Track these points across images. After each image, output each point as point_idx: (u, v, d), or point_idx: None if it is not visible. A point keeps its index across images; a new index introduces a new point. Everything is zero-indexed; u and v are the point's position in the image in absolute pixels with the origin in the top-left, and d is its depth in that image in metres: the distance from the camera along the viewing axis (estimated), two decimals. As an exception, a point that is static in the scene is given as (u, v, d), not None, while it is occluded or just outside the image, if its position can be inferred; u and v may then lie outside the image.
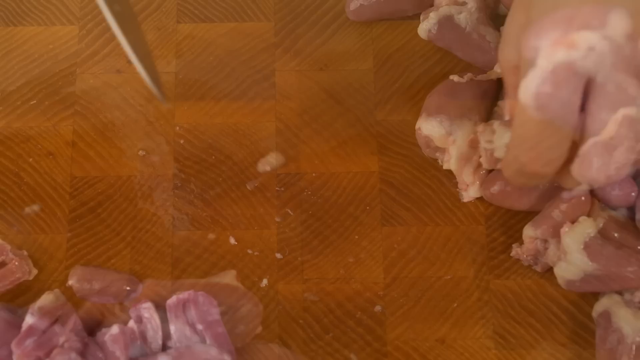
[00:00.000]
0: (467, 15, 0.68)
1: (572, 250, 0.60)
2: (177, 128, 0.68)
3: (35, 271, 0.64)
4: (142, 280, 0.64)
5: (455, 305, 0.64)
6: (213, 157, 0.67)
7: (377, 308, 0.63)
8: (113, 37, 0.70)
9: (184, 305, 0.61)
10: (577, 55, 0.52)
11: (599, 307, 0.62)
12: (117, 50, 0.70)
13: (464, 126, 0.65)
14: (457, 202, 0.66)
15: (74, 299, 0.63)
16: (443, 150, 0.66)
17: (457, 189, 0.66)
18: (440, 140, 0.65)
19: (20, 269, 0.63)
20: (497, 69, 0.66)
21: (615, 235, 0.62)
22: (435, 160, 0.67)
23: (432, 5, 0.70)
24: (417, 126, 0.66)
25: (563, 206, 0.61)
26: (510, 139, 0.57)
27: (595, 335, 0.62)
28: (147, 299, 0.63)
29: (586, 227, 0.60)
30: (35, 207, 0.66)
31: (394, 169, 0.67)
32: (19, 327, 0.60)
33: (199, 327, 0.60)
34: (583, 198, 0.62)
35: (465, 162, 0.65)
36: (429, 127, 0.65)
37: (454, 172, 0.66)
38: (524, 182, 0.59)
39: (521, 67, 0.54)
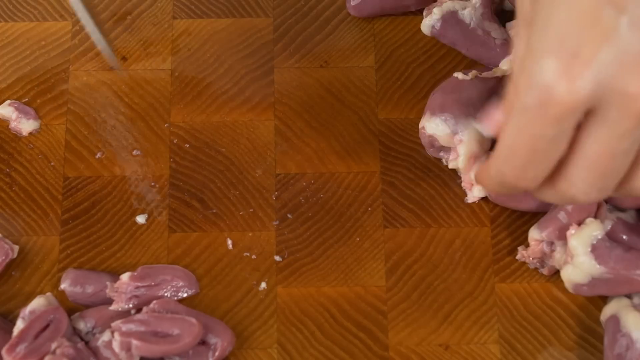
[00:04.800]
0: (471, 10, 0.68)
1: (579, 253, 0.59)
2: (173, 127, 0.68)
3: (16, 247, 0.63)
4: (137, 283, 0.63)
5: (459, 309, 0.63)
6: (210, 157, 0.67)
7: (379, 312, 0.63)
8: (107, 34, 0.70)
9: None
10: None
11: (607, 311, 0.61)
12: (111, 47, 0.70)
13: (469, 125, 0.64)
14: (461, 203, 0.66)
15: (66, 303, 0.62)
16: (447, 150, 0.65)
17: (462, 189, 0.66)
18: (445, 140, 0.64)
19: (1, 251, 0.62)
20: (503, 65, 0.66)
21: (624, 237, 0.61)
22: (439, 160, 0.67)
23: (435, 0, 0.70)
24: (420, 125, 0.66)
25: (569, 208, 0.61)
26: (496, 154, 0.54)
27: (603, 340, 0.61)
28: (142, 302, 0.62)
29: (593, 230, 0.60)
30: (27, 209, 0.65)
31: (396, 169, 0.67)
32: (10, 332, 0.59)
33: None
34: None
35: (475, 160, 0.64)
36: (433, 126, 0.64)
37: (462, 171, 0.65)
38: (504, 192, 0.59)
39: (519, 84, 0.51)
